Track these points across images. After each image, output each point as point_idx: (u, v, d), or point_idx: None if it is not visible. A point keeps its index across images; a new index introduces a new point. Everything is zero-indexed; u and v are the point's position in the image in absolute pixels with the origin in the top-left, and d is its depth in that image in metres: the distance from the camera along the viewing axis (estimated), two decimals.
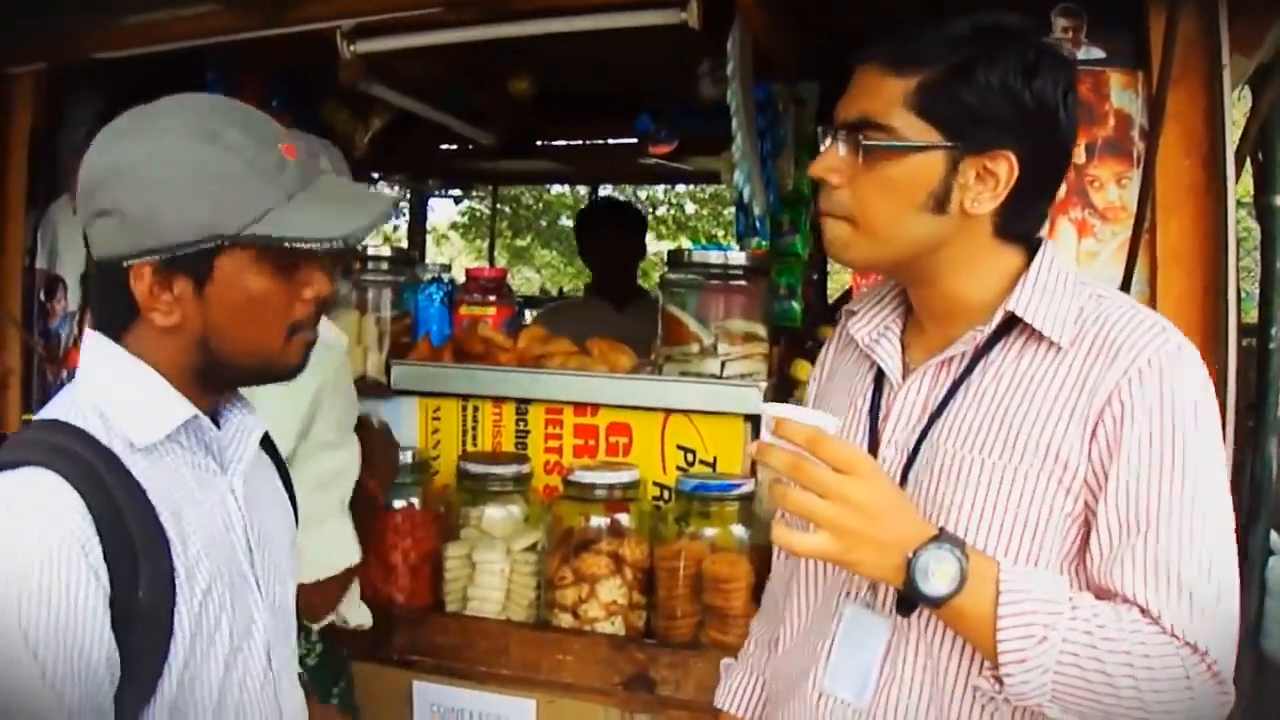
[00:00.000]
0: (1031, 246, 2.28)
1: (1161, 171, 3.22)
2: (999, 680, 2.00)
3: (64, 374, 4.61)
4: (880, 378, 2.41)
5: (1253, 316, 4.52)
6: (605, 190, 8.99)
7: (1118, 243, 3.32)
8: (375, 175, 7.36)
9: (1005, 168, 2.11)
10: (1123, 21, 3.34)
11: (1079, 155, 3.31)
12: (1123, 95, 3.35)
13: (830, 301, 5.83)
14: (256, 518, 2.25)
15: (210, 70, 4.75)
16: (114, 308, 2.05)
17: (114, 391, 2.03)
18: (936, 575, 1.96)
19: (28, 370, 4.70)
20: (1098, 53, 3.36)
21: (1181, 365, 2.07)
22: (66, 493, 1.84)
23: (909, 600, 2.05)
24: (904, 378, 2.36)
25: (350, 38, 3.97)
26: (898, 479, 2.27)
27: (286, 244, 1.98)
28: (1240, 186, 3.58)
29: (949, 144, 2.10)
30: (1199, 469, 2.03)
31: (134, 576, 1.88)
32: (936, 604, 1.99)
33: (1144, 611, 1.98)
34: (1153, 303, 3.20)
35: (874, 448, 2.34)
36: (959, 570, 1.96)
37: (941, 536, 1.99)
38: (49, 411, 2.04)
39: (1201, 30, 3.19)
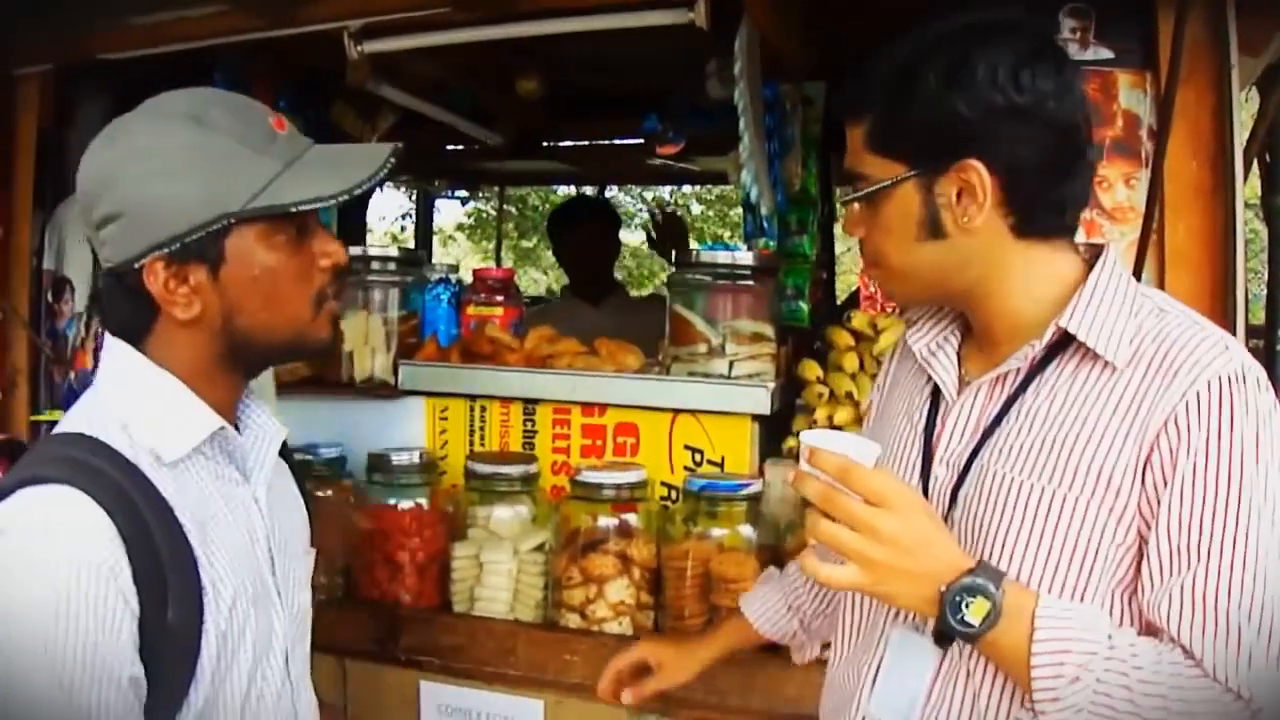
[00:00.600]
0: (1089, 254, 2.20)
1: (1169, 172, 3.22)
2: (1035, 715, 1.96)
3: (72, 375, 4.62)
4: (937, 391, 2.36)
5: (1260, 318, 4.52)
6: (611, 191, 8.91)
7: (1126, 243, 3.32)
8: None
9: (975, 176, 2.05)
10: (1131, 22, 3.35)
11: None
12: (1131, 95, 3.36)
13: (838, 302, 5.82)
14: (277, 524, 2.23)
15: (218, 71, 4.75)
16: (131, 315, 2.04)
17: (138, 403, 2.01)
18: (970, 610, 1.92)
19: (35, 371, 4.71)
20: (1106, 53, 3.37)
21: (1244, 389, 1.96)
22: (95, 514, 1.81)
23: (945, 633, 1.99)
24: (959, 393, 2.31)
25: (358, 38, 3.98)
26: (948, 498, 2.23)
27: (293, 209, 1.99)
28: (1247, 188, 3.58)
29: (912, 173, 2.09)
30: (1258, 502, 1.92)
31: (163, 597, 1.86)
32: (970, 638, 1.96)
33: (1187, 652, 1.90)
34: None
35: (927, 464, 2.30)
36: (993, 605, 1.92)
37: (978, 570, 1.95)
38: (71, 424, 2.02)
39: (1209, 31, 3.19)
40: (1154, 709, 1.87)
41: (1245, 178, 3.51)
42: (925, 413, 2.36)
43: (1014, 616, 1.92)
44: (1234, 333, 3.09)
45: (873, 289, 4.06)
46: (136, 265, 1.96)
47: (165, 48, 4.25)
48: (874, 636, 2.33)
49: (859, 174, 2.17)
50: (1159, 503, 1.96)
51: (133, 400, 2.01)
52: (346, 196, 2.02)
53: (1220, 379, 1.94)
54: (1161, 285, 3.23)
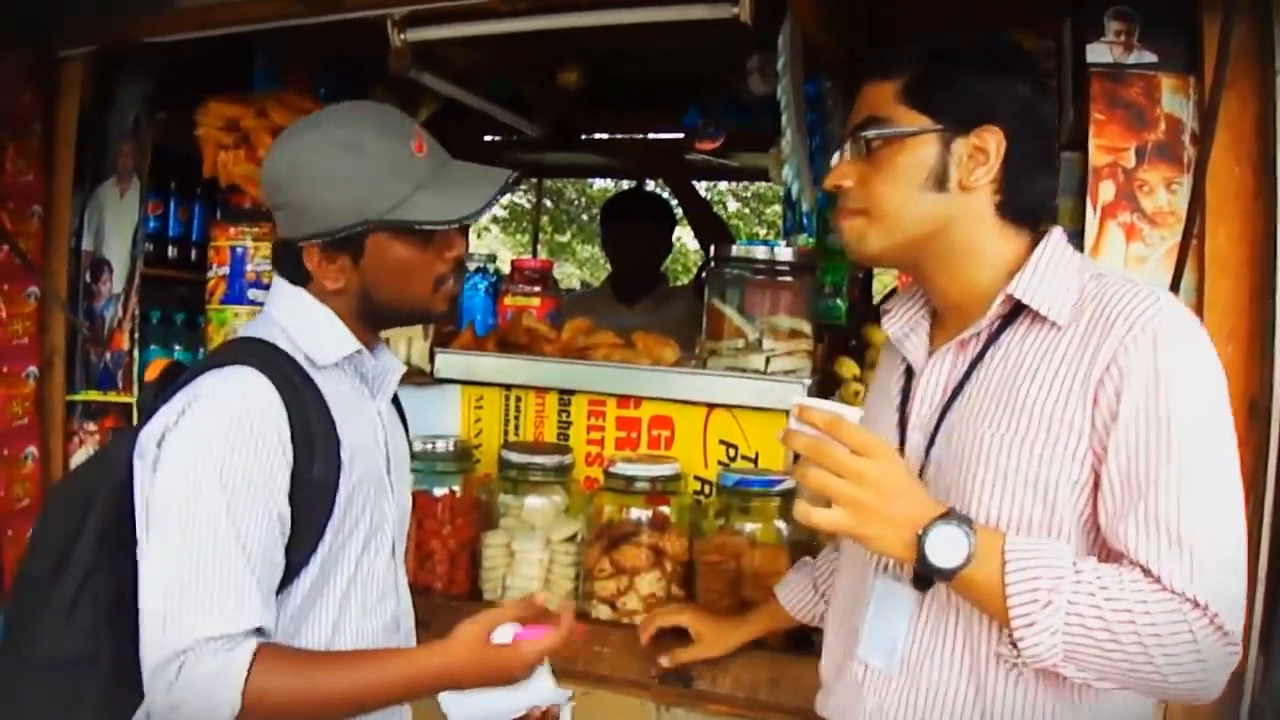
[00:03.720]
0: (1038, 236, 2.44)
1: (1211, 177, 3.21)
2: (1014, 645, 2.13)
3: (108, 355, 4.64)
4: (911, 368, 2.58)
5: None
6: (649, 186, 8.76)
7: (1166, 248, 3.32)
8: None
9: (993, 142, 2.31)
10: (1175, 26, 3.34)
11: (1129, 159, 3.32)
12: (1174, 100, 3.35)
13: (875, 301, 5.81)
14: (392, 440, 2.84)
15: (259, 56, 4.78)
16: (294, 273, 2.64)
17: (300, 321, 2.63)
18: (945, 550, 2.11)
19: (72, 350, 4.75)
20: (1149, 57, 3.36)
21: (1174, 332, 2.18)
22: (266, 385, 2.43)
23: (923, 575, 2.19)
24: (926, 362, 2.53)
25: (401, 26, 3.98)
26: (922, 458, 2.45)
27: (416, 226, 2.56)
28: None
29: (938, 127, 2.32)
30: (1193, 430, 2.14)
31: (311, 458, 2.45)
32: (947, 576, 2.14)
33: (1146, 571, 2.11)
34: (1200, 308, 3.22)
35: (903, 431, 2.53)
36: (967, 544, 2.11)
37: (950, 514, 2.14)
38: (244, 332, 2.67)
39: (1254, 36, 3.18)
40: (1122, 623, 2.06)
41: None
42: (900, 387, 2.60)
43: (985, 554, 2.12)
44: (1274, 337, 3.11)
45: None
46: (298, 244, 2.57)
47: (207, 32, 4.28)
48: (862, 592, 2.55)
49: (882, 118, 2.37)
50: (1108, 437, 2.19)
51: (296, 318, 2.64)
52: (455, 224, 2.61)
53: (1152, 324, 2.17)
54: (1201, 290, 3.23)
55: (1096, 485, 2.23)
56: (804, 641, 3.41)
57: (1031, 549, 2.13)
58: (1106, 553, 2.24)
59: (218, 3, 4.23)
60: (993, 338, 2.40)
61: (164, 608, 2.26)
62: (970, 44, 2.37)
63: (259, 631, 2.32)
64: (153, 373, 2.63)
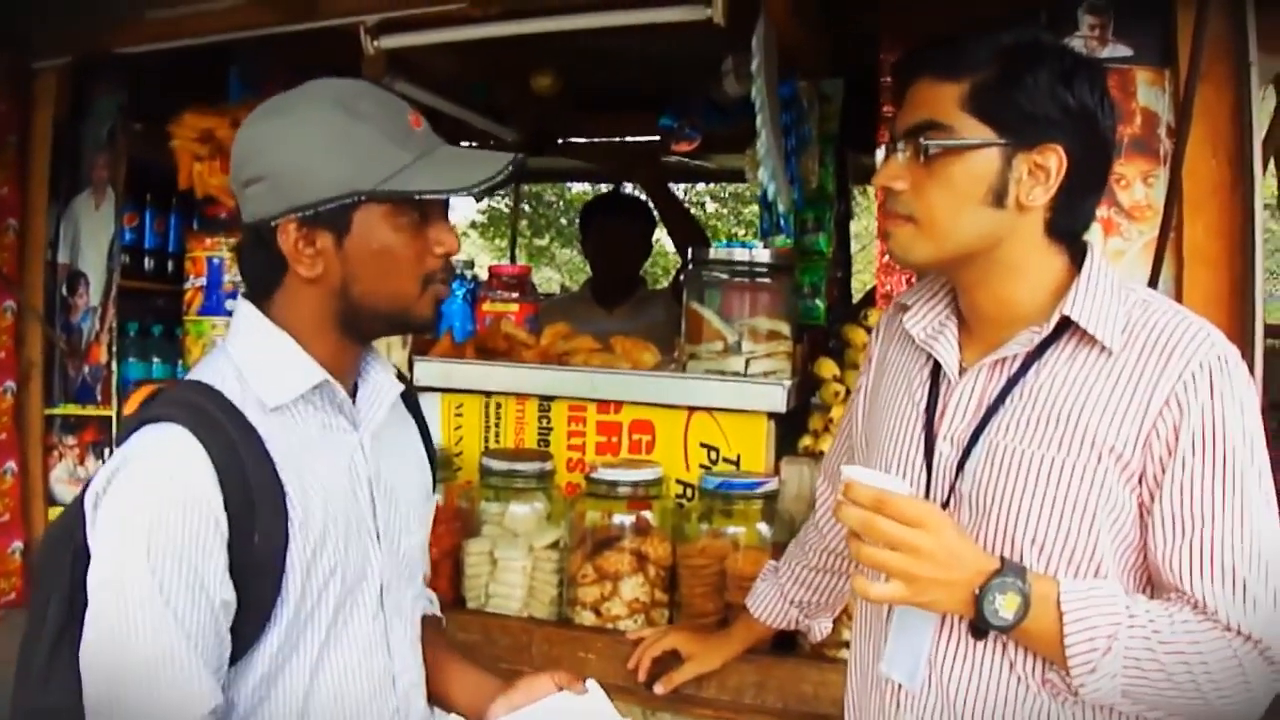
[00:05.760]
0: (1076, 253, 2.37)
1: (1188, 170, 3.21)
2: (1069, 681, 2.15)
3: (86, 368, 4.63)
4: (936, 373, 2.50)
5: (1277, 318, 4.52)
6: (628, 189, 8.77)
7: (1144, 241, 3.32)
8: None
9: (1055, 161, 2.21)
10: (1149, 19, 3.35)
11: None
12: (1149, 93, 3.35)
13: (854, 301, 5.81)
14: (387, 470, 2.50)
15: (234, 65, 4.77)
16: (263, 268, 2.32)
17: (253, 356, 2.31)
18: (1003, 606, 2.12)
19: (49, 364, 4.73)
20: (1124, 50, 3.36)
21: (1229, 370, 2.17)
22: (195, 449, 2.12)
23: (982, 628, 2.19)
24: (959, 375, 2.44)
25: (374, 33, 3.99)
26: (953, 472, 2.39)
27: (416, 196, 2.24)
28: (1265, 188, 3.58)
29: (1003, 141, 2.21)
30: (1246, 467, 2.14)
31: (250, 526, 2.16)
32: (1005, 629, 2.15)
33: (1198, 605, 2.13)
34: (1179, 301, 3.17)
35: (930, 441, 2.45)
36: (1023, 599, 2.12)
37: (1005, 569, 2.14)
38: (196, 373, 2.33)
39: (1229, 28, 3.19)
40: (1176, 663, 2.10)
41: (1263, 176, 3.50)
42: (926, 393, 2.51)
43: (1041, 605, 2.13)
44: (1253, 332, 3.11)
45: (886, 259, 4.05)
46: (273, 223, 2.23)
47: (181, 42, 4.27)
48: (884, 608, 2.51)
49: (943, 125, 2.24)
50: (1164, 471, 2.18)
51: (249, 353, 2.32)
52: (465, 193, 2.28)
53: (1209, 362, 2.17)
54: (1180, 284, 3.24)
55: (1140, 516, 2.24)
56: (789, 643, 3.41)
57: (1087, 596, 2.14)
58: (1144, 580, 2.28)
59: (191, 13, 4.23)
60: (1034, 355, 2.33)
61: (110, 707, 2.10)
62: (1040, 48, 2.26)
63: (213, 712, 2.15)
64: (132, 405, 2.45)
